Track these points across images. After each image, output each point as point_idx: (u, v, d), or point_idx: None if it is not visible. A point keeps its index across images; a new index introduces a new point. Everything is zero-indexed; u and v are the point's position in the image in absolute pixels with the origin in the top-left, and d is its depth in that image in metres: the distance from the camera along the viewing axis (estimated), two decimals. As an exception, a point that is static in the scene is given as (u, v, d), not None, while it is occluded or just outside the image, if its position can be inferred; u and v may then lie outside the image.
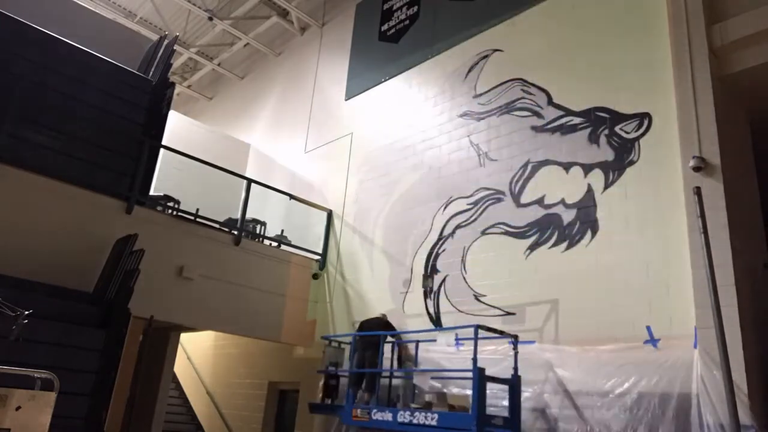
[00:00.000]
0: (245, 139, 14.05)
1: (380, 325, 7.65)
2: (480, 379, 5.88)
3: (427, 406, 6.66)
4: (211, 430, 11.60)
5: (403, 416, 6.42)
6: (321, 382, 7.91)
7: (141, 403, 8.62)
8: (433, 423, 6.11)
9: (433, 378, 7.19)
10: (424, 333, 7.65)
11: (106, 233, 7.36)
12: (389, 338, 7.59)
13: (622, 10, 7.19)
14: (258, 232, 10.30)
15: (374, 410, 6.78)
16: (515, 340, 6.39)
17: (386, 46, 10.82)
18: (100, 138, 7.93)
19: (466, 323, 7.46)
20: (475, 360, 5.91)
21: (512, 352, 6.34)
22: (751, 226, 6.19)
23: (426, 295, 8.12)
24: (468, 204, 8.07)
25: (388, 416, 6.62)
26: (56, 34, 7.99)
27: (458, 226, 8.08)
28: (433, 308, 7.95)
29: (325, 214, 10.42)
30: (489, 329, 6.40)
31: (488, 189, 7.87)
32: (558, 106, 7.43)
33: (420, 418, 6.27)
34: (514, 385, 6.19)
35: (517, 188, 7.53)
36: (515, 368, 6.26)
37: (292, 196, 10.36)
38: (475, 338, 6.03)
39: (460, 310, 7.62)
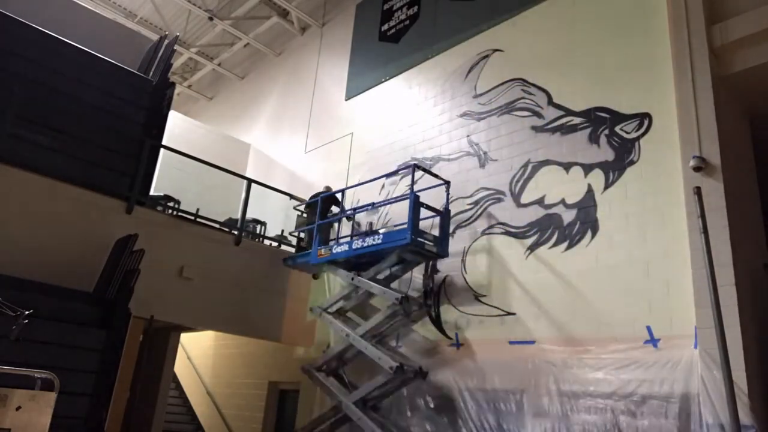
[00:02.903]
0: (245, 139, 14.05)
1: (329, 197, 9.32)
2: (415, 202, 7.36)
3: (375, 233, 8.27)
4: (211, 430, 11.60)
5: (357, 243, 7.89)
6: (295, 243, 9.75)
7: (141, 403, 8.62)
8: (379, 241, 7.56)
9: (374, 206, 8.99)
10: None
11: (106, 233, 7.36)
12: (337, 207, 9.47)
13: (622, 10, 7.18)
14: (258, 232, 10.29)
15: (333, 246, 8.36)
16: (447, 184, 7.91)
17: (386, 46, 10.82)
18: (100, 138, 7.93)
19: (466, 323, 7.48)
20: (412, 187, 7.56)
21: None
22: (751, 226, 6.19)
23: (426, 295, 8.10)
24: (468, 204, 8.07)
25: (344, 247, 8.12)
26: (56, 34, 7.99)
27: (458, 226, 8.07)
28: (433, 308, 7.94)
29: (325, 214, 10.40)
30: (423, 169, 8.08)
31: (488, 189, 7.87)
32: (558, 106, 7.43)
33: (369, 241, 7.71)
34: (444, 215, 7.72)
35: (517, 188, 7.53)
36: (447, 204, 7.81)
37: (292, 196, 10.35)
38: (412, 173, 7.78)
39: (460, 310, 7.62)
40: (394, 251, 7.47)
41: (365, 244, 7.71)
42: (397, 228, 7.93)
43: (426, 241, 7.37)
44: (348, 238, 8.59)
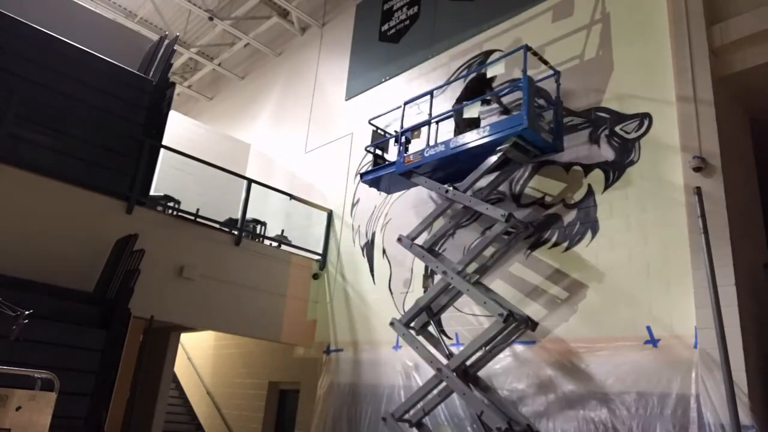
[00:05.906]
0: (245, 139, 14.05)
1: (478, 81, 7.88)
2: (529, 85, 6.53)
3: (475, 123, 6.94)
4: (211, 430, 11.60)
5: (455, 142, 6.84)
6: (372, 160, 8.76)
7: (141, 403, 8.63)
8: (485, 134, 6.51)
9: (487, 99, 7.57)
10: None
11: (106, 233, 7.36)
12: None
13: (622, 10, 7.18)
14: (258, 232, 10.30)
15: (425, 150, 7.25)
16: (558, 74, 7.07)
17: (386, 46, 10.82)
18: (100, 138, 7.93)
19: (466, 323, 7.48)
20: (524, 70, 6.62)
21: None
22: (751, 226, 6.19)
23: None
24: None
25: (440, 148, 7.03)
26: (56, 34, 7.99)
27: (458, 226, 8.06)
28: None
29: (325, 215, 10.41)
30: (534, 53, 7.03)
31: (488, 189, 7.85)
32: (558, 106, 7.41)
33: (471, 136, 6.61)
34: (557, 104, 6.98)
35: (517, 188, 7.52)
36: (558, 95, 7.00)
37: (292, 196, 10.35)
38: (525, 55, 6.75)
39: (460, 310, 7.61)
40: (503, 146, 6.46)
41: (466, 141, 6.64)
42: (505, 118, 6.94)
43: (543, 129, 6.49)
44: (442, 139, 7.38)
